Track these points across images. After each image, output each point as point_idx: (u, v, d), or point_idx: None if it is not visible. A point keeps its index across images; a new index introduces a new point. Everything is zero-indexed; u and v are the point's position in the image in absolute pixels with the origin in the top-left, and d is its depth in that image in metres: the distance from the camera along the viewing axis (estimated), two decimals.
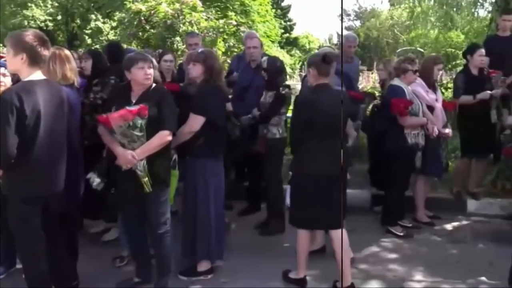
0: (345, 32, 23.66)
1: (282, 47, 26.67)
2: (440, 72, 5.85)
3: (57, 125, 3.15)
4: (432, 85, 5.26)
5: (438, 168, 5.21)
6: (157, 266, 3.78)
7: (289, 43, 33.94)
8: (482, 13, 13.58)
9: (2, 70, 3.85)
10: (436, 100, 5.20)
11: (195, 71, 3.95)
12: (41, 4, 22.74)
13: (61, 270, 3.40)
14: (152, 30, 9.64)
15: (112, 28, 20.26)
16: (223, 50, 9.80)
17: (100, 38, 21.83)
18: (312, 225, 3.87)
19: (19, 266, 3.69)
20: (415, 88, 4.99)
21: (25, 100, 2.91)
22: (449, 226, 5.26)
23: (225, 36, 9.95)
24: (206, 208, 3.96)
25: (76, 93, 3.91)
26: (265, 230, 4.98)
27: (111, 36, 19.87)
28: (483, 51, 5.51)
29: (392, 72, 5.10)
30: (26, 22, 21.29)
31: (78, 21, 24.17)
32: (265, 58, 5.04)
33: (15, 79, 3.59)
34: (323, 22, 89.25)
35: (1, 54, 5.04)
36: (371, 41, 34.40)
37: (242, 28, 10.16)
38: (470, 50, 5.66)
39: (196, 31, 8.42)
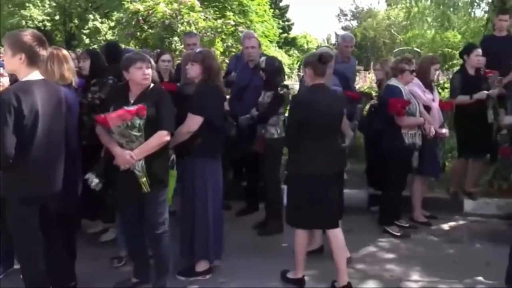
0: (342, 32, 23.65)
1: (280, 47, 26.68)
2: (437, 72, 5.86)
3: (55, 125, 3.15)
4: (429, 85, 5.28)
5: (435, 168, 5.23)
6: (155, 266, 3.78)
7: (287, 43, 33.94)
8: (478, 13, 13.63)
9: (0, 70, 3.86)
10: (433, 100, 5.21)
11: (193, 71, 3.96)
12: (39, 4, 22.71)
13: (59, 270, 3.40)
14: (150, 30, 9.64)
15: (110, 28, 20.21)
16: (221, 50, 9.80)
17: (98, 38, 21.79)
18: (309, 225, 3.87)
19: (17, 266, 3.69)
20: (412, 88, 5.00)
21: (23, 100, 2.91)
22: (446, 226, 5.28)
23: (223, 36, 9.95)
24: (205, 208, 3.97)
25: (74, 93, 3.90)
26: (263, 230, 4.99)
27: (109, 36, 19.84)
28: (479, 51, 5.52)
29: (389, 72, 5.12)
30: (24, 22, 21.26)
31: (76, 21, 24.15)
32: (263, 58, 5.05)
33: (13, 79, 3.59)
34: (321, 22, 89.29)
35: None
36: (368, 41, 34.45)
37: (240, 28, 10.17)
38: (467, 50, 5.68)
39: (194, 31, 8.43)
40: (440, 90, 8.09)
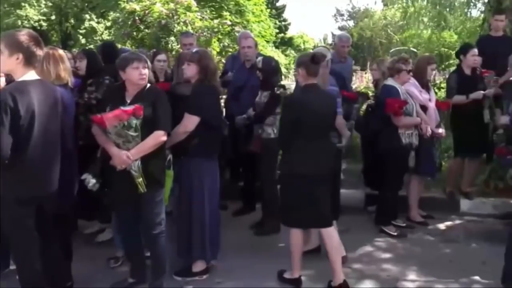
0: (338, 32, 23.74)
1: (277, 47, 26.70)
2: (434, 72, 5.88)
3: (51, 125, 3.15)
4: (425, 85, 5.29)
5: (431, 168, 5.24)
6: (152, 266, 3.78)
7: (284, 43, 33.97)
8: (475, 13, 13.64)
9: None
10: (430, 100, 5.23)
11: (190, 71, 3.95)
12: (35, 4, 22.63)
13: (55, 270, 3.39)
14: (146, 30, 9.62)
15: (106, 28, 20.20)
16: (218, 50, 9.79)
17: (94, 38, 21.77)
18: (302, 224, 3.88)
19: (13, 267, 3.68)
20: (409, 88, 5.01)
21: (19, 100, 2.90)
22: (442, 226, 5.29)
23: (220, 36, 9.94)
24: (201, 208, 3.96)
25: (70, 93, 3.89)
26: (260, 230, 4.99)
27: (105, 36, 19.82)
28: (476, 51, 5.54)
29: (386, 72, 5.12)
30: (20, 22, 21.18)
31: (72, 21, 24.06)
32: (260, 58, 5.05)
33: (9, 79, 3.58)
34: (317, 22, 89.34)
35: None
36: (365, 41, 34.50)
37: (236, 28, 10.16)
38: (463, 50, 5.70)
39: (191, 31, 8.42)
40: (436, 90, 8.11)
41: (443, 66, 16.97)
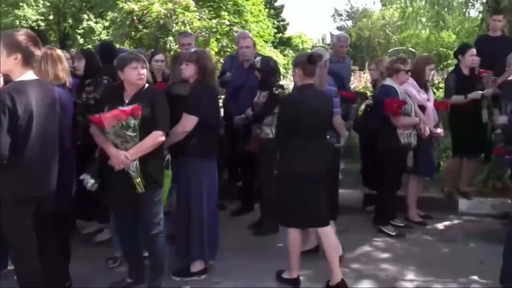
0: (337, 32, 23.74)
1: (275, 47, 26.68)
2: (432, 72, 5.88)
3: (49, 125, 3.14)
4: (423, 85, 5.29)
5: (429, 168, 5.24)
6: (150, 266, 3.78)
7: (283, 43, 33.92)
8: (473, 13, 13.67)
9: None
10: (428, 100, 5.23)
11: (188, 71, 3.95)
12: (33, 4, 22.62)
13: (53, 271, 3.39)
14: (144, 30, 9.61)
15: (105, 27, 20.16)
16: (216, 50, 9.79)
17: (93, 38, 21.73)
18: (299, 224, 3.87)
19: (11, 267, 3.67)
20: (407, 88, 5.01)
21: (17, 100, 2.89)
22: (440, 226, 5.29)
23: (218, 36, 9.94)
24: (199, 208, 3.96)
25: (68, 93, 3.89)
26: (259, 230, 4.98)
27: (104, 36, 19.79)
28: (474, 51, 5.54)
29: (384, 72, 5.13)
30: (17, 22, 21.17)
31: (70, 20, 24.07)
32: (258, 58, 5.05)
33: (6, 79, 3.57)
34: (316, 22, 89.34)
35: None
36: (363, 41, 34.49)
37: (235, 28, 10.16)
38: (461, 50, 5.70)
39: (189, 31, 8.41)
40: (434, 90, 8.10)
41: (441, 66, 17.01)
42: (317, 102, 3.75)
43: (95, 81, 4.39)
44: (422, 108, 5.10)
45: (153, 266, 3.75)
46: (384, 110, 4.73)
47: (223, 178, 5.58)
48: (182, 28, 9.11)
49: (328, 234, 3.86)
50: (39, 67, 3.48)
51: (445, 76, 6.97)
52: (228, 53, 8.79)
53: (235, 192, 5.70)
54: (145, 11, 9.52)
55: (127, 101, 3.51)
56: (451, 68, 9.38)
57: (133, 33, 9.68)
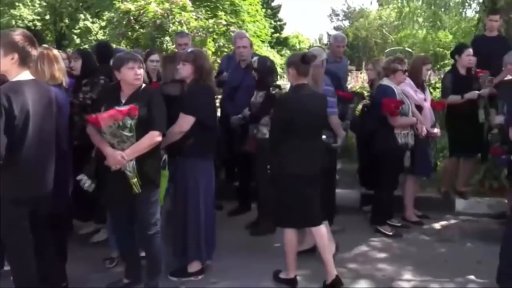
0: (334, 32, 23.71)
1: (272, 47, 26.69)
2: (429, 72, 5.89)
3: (46, 125, 3.14)
4: (420, 84, 5.30)
5: (426, 168, 5.24)
6: (147, 267, 3.77)
7: (279, 43, 33.95)
8: (469, 13, 13.72)
9: None
10: (425, 99, 5.23)
11: (185, 71, 3.94)
12: (29, 4, 22.56)
13: (50, 271, 3.38)
14: (141, 30, 9.60)
15: (101, 27, 20.15)
16: (213, 50, 9.78)
17: (89, 38, 21.70)
18: (294, 224, 3.87)
19: (7, 268, 3.66)
20: (404, 88, 5.01)
21: (14, 101, 2.89)
22: (437, 225, 5.30)
23: (215, 36, 9.93)
24: (196, 208, 3.96)
25: (65, 93, 3.88)
26: (256, 230, 4.98)
27: (100, 36, 19.77)
28: (470, 51, 5.55)
29: (381, 72, 5.13)
30: (13, 22, 21.11)
31: (66, 20, 24.02)
32: (255, 58, 5.04)
33: (2, 79, 3.56)
34: (313, 22, 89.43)
35: None
36: (360, 41, 34.58)
37: (232, 28, 10.15)
38: (458, 50, 5.71)
39: (186, 31, 8.41)
40: (431, 90, 8.12)
41: (438, 66, 17.01)
42: (311, 102, 3.75)
43: (91, 81, 4.38)
44: (419, 108, 5.10)
45: (150, 266, 3.74)
46: (381, 110, 4.73)
47: (220, 178, 5.57)
48: (179, 28, 9.10)
49: (322, 234, 3.87)
50: (35, 67, 3.47)
51: (442, 76, 6.99)
52: (225, 53, 8.78)
53: (232, 192, 5.70)
54: (141, 11, 9.51)
55: (123, 101, 3.50)
56: (447, 68, 9.36)
57: (129, 33, 9.67)
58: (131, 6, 9.64)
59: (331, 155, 4.55)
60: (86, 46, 18.61)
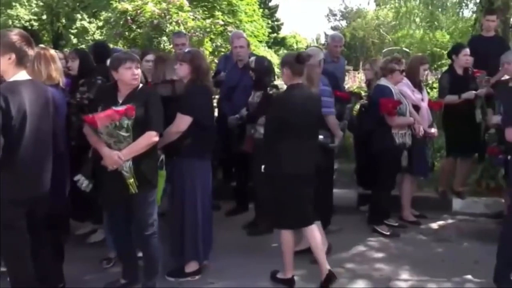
0: (331, 32, 23.72)
1: (269, 47, 26.63)
2: (426, 72, 5.89)
3: (43, 125, 3.13)
4: (418, 84, 5.31)
5: (424, 168, 5.25)
6: (144, 267, 3.76)
7: (277, 43, 33.92)
8: (466, 13, 13.70)
9: None
10: (422, 99, 5.24)
11: (182, 71, 3.94)
12: (26, 4, 22.49)
13: (47, 272, 3.37)
14: (138, 30, 9.57)
15: (98, 27, 20.08)
16: (210, 50, 9.76)
17: (86, 38, 21.63)
18: (293, 225, 3.87)
19: (3, 269, 3.65)
20: (401, 87, 5.02)
21: (11, 101, 2.88)
22: (434, 225, 5.31)
23: (212, 36, 9.91)
24: (194, 208, 3.95)
25: (62, 93, 3.87)
26: (253, 230, 4.98)
27: (97, 36, 19.70)
28: (468, 50, 5.56)
29: (378, 72, 5.13)
30: (10, 22, 21.04)
31: (63, 20, 23.95)
32: (252, 58, 5.04)
33: None
34: (310, 22, 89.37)
35: None
36: (357, 41, 34.59)
37: (229, 28, 10.13)
38: (455, 50, 5.72)
39: (183, 30, 8.39)
40: (428, 90, 8.13)
41: (435, 66, 17.07)
42: (305, 102, 3.75)
43: (89, 81, 4.37)
44: (416, 108, 5.11)
45: (147, 266, 3.73)
46: (379, 110, 4.74)
47: (218, 178, 5.57)
48: (176, 28, 9.07)
49: (314, 234, 3.87)
50: (32, 67, 3.46)
51: (439, 76, 6.99)
52: (222, 53, 8.78)
53: (230, 192, 5.69)
54: (139, 11, 9.48)
55: (120, 101, 3.49)
56: (445, 68, 9.40)
57: (126, 33, 9.63)
58: (128, 6, 9.61)
59: (329, 155, 4.56)
60: (83, 46, 18.56)
